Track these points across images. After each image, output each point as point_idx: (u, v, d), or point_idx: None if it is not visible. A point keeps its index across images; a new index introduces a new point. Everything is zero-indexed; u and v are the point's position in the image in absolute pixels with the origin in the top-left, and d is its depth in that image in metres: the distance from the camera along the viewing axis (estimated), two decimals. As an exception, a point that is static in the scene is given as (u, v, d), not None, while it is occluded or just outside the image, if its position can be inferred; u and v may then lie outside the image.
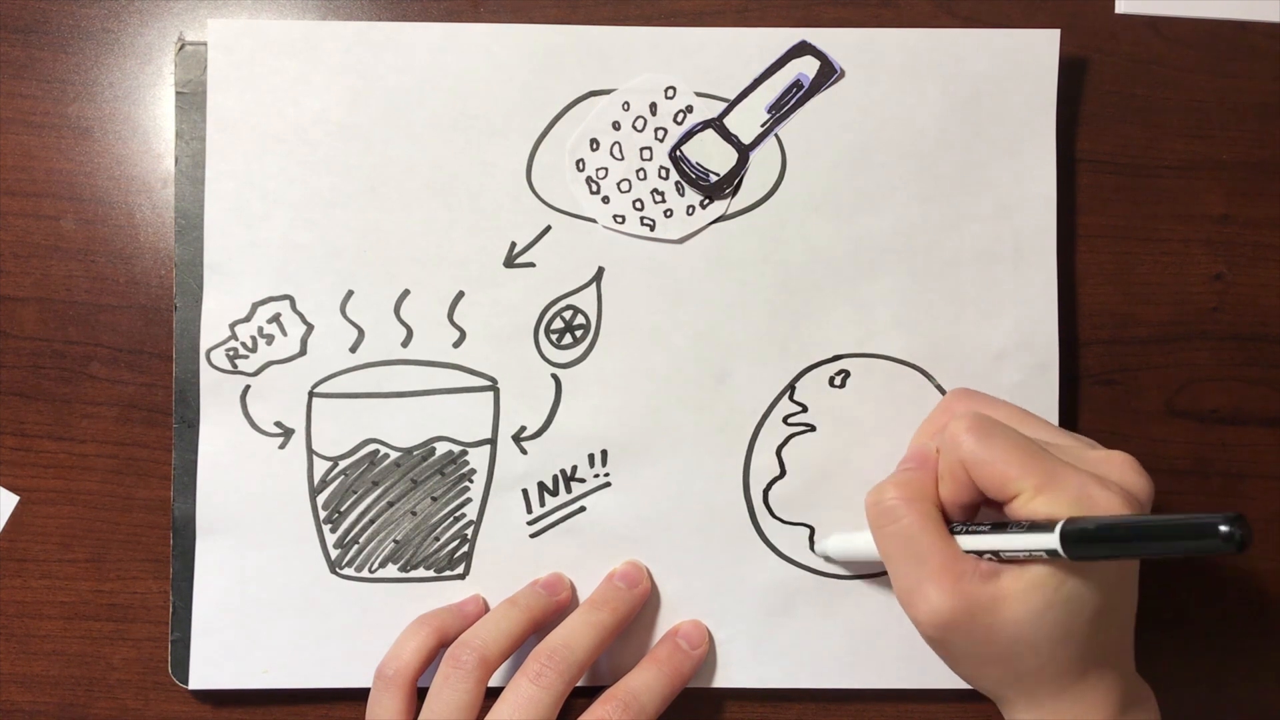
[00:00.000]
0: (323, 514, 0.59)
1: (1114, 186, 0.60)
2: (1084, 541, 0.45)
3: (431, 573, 0.59)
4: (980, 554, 0.49)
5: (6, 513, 0.60)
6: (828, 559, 0.59)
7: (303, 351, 0.58)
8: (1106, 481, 0.47)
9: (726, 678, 0.60)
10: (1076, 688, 0.49)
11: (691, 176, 0.58)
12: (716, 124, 0.59)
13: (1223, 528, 0.40)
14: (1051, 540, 0.45)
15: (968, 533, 0.49)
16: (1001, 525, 0.48)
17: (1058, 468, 0.48)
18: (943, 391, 0.59)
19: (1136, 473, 0.49)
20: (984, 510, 0.52)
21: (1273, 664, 0.62)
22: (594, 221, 0.59)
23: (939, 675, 0.59)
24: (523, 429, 0.59)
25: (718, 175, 0.59)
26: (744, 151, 0.59)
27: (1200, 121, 0.61)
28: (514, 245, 0.59)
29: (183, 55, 0.59)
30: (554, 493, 0.59)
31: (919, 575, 0.49)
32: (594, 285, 0.59)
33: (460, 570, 0.59)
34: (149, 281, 0.60)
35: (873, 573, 0.60)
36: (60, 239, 0.60)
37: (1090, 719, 0.50)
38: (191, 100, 0.58)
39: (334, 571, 0.59)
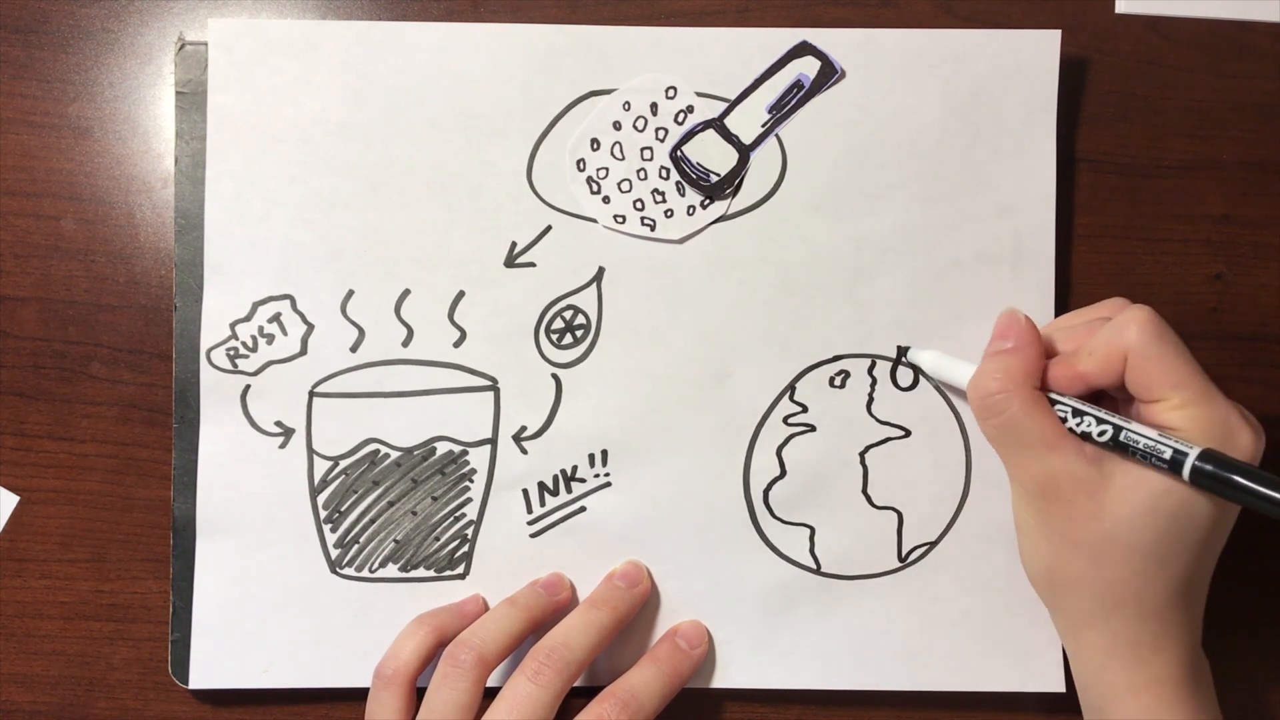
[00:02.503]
0: (323, 514, 0.59)
1: (1114, 186, 0.60)
2: (1219, 470, 0.46)
3: (432, 572, 0.59)
4: (1089, 437, 0.50)
5: (6, 513, 0.60)
6: (916, 369, 0.59)
7: (303, 351, 0.58)
8: (1249, 416, 0.49)
9: (726, 678, 0.60)
10: (1155, 621, 0.50)
11: (692, 176, 0.58)
12: (717, 124, 0.59)
13: None
14: (1185, 453, 0.47)
15: (1078, 415, 0.51)
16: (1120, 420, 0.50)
17: (1212, 390, 0.49)
18: (941, 392, 0.59)
19: (1258, 425, 0.50)
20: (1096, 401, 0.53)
21: (1273, 665, 0.62)
22: (594, 221, 0.59)
23: (939, 676, 0.59)
24: (523, 429, 0.59)
25: (718, 175, 0.59)
26: (744, 152, 0.59)
27: (1200, 121, 0.61)
28: (514, 245, 0.59)
29: (183, 55, 0.59)
30: (554, 493, 0.59)
31: (1024, 452, 0.51)
32: (594, 285, 0.59)
33: (460, 570, 0.59)
34: (149, 281, 0.60)
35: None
36: (60, 239, 0.60)
37: (1164, 664, 0.50)
38: (191, 100, 0.58)
39: (334, 571, 0.59)
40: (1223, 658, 0.58)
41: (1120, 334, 0.50)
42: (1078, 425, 0.50)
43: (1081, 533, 0.50)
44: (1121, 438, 0.49)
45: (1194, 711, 0.50)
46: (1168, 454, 0.47)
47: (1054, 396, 0.52)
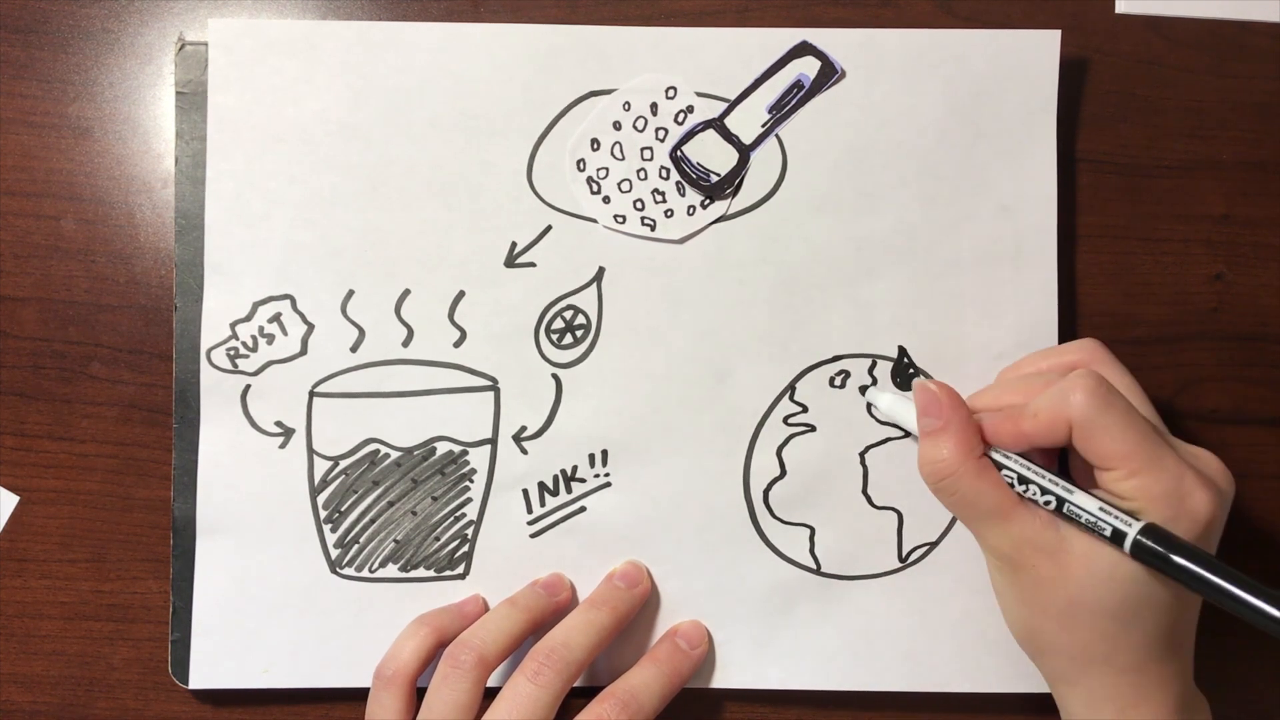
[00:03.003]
0: (323, 514, 0.59)
1: (1114, 186, 0.60)
2: (1158, 548, 0.46)
3: (432, 572, 0.59)
4: (1038, 500, 0.50)
5: (6, 513, 0.60)
6: (870, 410, 0.59)
7: (303, 351, 0.58)
8: (1203, 477, 0.48)
9: (726, 678, 0.60)
10: (1133, 676, 0.50)
11: (692, 177, 0.58)
12: (717, 124, 0.59)
13: None
14: (1124, 532, 0.47)
15: (1024, 482, 0.51)
16: (1064, 479, 0.50)
17: (1162, 454, 0.48)
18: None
19: (1222, 469, 0.50)
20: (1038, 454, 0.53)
21: (1272, 666, 0.62)
22: (595, 221, 0.59)
23: (939, 677, 0.59)
24: (523, 429, 0.59)
25: (718, 175, 0.59)
26: (745, 152, 0.59)
27: (1200, 121, 0.61)
28: (515, 245, 0.59)
29: (183, 55, 0.59)
30: (554, 493, 0.59)
31: (986, 524, 0.51)
32: (594, 285, 0.59)
33: (460, 570, 0.59)
34: (149, 281, 0.60)
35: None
36: (60, 239, 0.60)
37: (1146, 715, 0.50)
38: (191, 100, 0.58)
39: (334, 571, 0.59)
40: (1220, 659, 0.59)
41: (1065, 400, 0.49)
42: (1024, 492, 0.51)
43: (1048, 598, 0.50)
44: (1064, 510, 0.49)
45: None
46: (1108, 531, 0.48)
47: (999, 459, 0.52)
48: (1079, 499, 0.49)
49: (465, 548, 0.59)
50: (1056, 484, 0.50)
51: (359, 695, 0.58)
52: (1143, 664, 0.50)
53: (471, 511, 0.59)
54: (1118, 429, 0.49)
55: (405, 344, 0.59)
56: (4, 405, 0.60)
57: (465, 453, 0.59)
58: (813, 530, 0.60)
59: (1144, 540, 0.47)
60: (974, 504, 0.51)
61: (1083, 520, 0.49)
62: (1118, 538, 0.47)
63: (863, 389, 0.59)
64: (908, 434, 0.59)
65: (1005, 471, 0.51)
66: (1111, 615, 0.49)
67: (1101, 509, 0.48)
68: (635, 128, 0.58)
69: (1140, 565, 0.48)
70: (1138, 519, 0.47)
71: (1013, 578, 0.51)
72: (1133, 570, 0.48)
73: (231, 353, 0.58)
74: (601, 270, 0.59)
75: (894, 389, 0.59)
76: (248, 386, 0.59)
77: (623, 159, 0.59)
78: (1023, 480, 0.51)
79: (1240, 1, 0.60)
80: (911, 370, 0.59)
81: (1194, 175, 0.61)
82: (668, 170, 0.59)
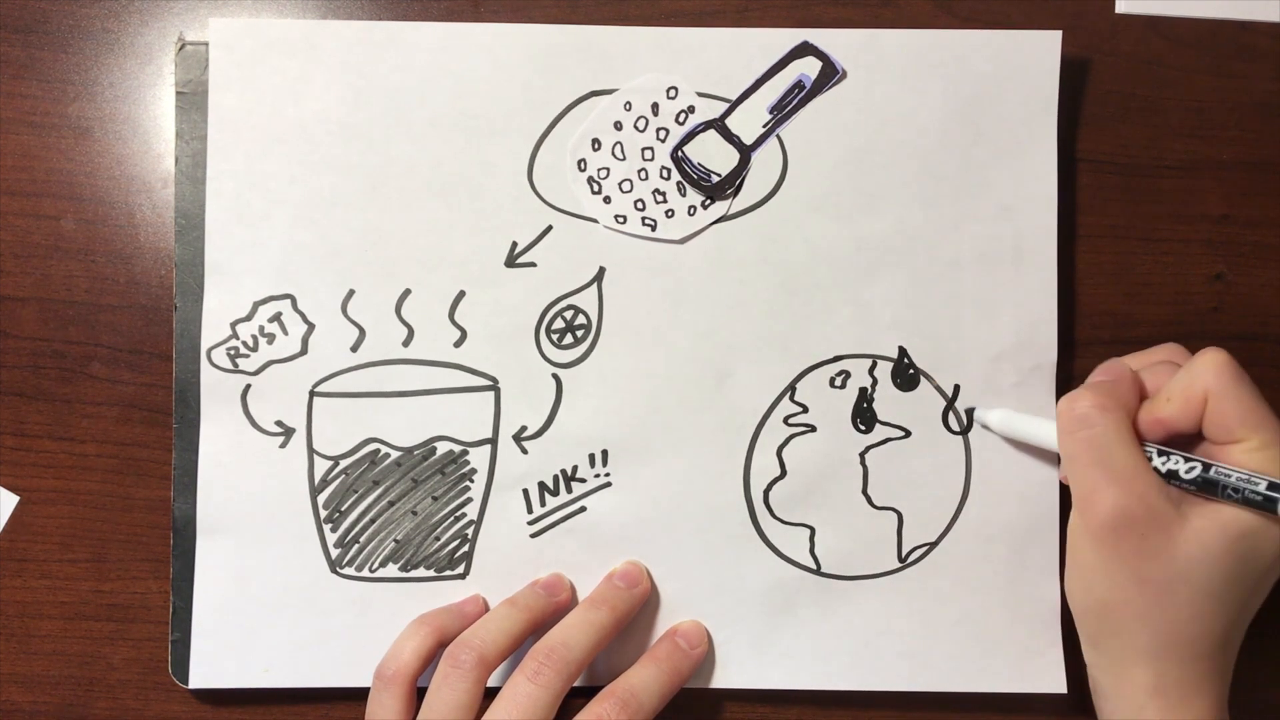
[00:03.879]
0: (323, 513, 0.59)
1: (1114, 186, 0.60)
2: None
3: (432, 572, 0.59)
4: (1171, 479, 0.50)
5: (6, 513, 0.60)
6: (985, 427, 0.59)
7: (304, 351, 0.58)
8: None
9: (726, 678, 0.60)
10: (1205, 663, 0.50)
11: (693, 177, 0.58)
12: (718, 124, 0.59)
13: None
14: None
15: (1163, 454, 0.51)
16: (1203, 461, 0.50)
17: None
18: (943, 393, 0.59)
19: None
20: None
21: (1271, 667, 0.62)
22: (595, 221, 0.59)
23: (939, 677, 0.59)
24: (523, 429, 0.59)
25: (719, 175, 0.59)
26: (746, 152, 0.59)
27: (1200, 121, 0.61)
28: (515, 245, 0.59)
29: (183, 55, 0.59)
30: (554, 493, 0.59)
31: (1105, 477, 0.50)
32: (595, 285, 0.59)
33: (460, 570, 0.59)
34: (149, 281, 0.60)
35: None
36: (60, 239, 0.60)
37: (1205, 706, 0.50)
38: (192, 100, 0.58)
39: (334, 571, 0.59)
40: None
41: (1199, 377, 0.50)
42: (1164, 464, 0.50)
43: (1150, 570, 0.49)
44: (1211, 474, 0.49)
45: None
46: (1261, 486, 0.47)
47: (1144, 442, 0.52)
48: (1223, 465, 0.49)
49: (465, 547, 0.59)
50: (1198, 458, 0.50)
51: (359, 695, 0.58)
52: (1217, 650, 0.50)
53: (472, 511, 0.59)
54: (1249, 401, 0.49)
55: (406, 344, 0.59)
56: (4, 405, 0.60)
57: (465, 452, 0.59)
58: (813, 530, 0.60)
59: None
60: (1108, 449, 0.50)
61: (1232, 480, 0.48)
62: (1270, 500, 0.47)
63: (969, 412, 0.60)
64: (908, 433, 0.59)
65: (1145, 447, 0.51)
66: (1212, 593, 0.49)
67: (1250, 473, 0.48)
68: (636, 128, 0.58)
69: (1253, 543, 0.48)
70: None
71: (1112, 545, 0.50)
72: (1246, 548, 0.49)
73: (232, 352, 0.58)
74: (602, 270, 0.59)
75: (1002, 409, 0.59)
76: (248, 386, 0.58)
77: (624, 159, 0.59)
78: (1163, 453, 0.51)
79: (1240, 1, 0.60)
80: (911, 370, 0.59)
81: (1194, 175, 0.61)
82: (669, 170, 0.59)
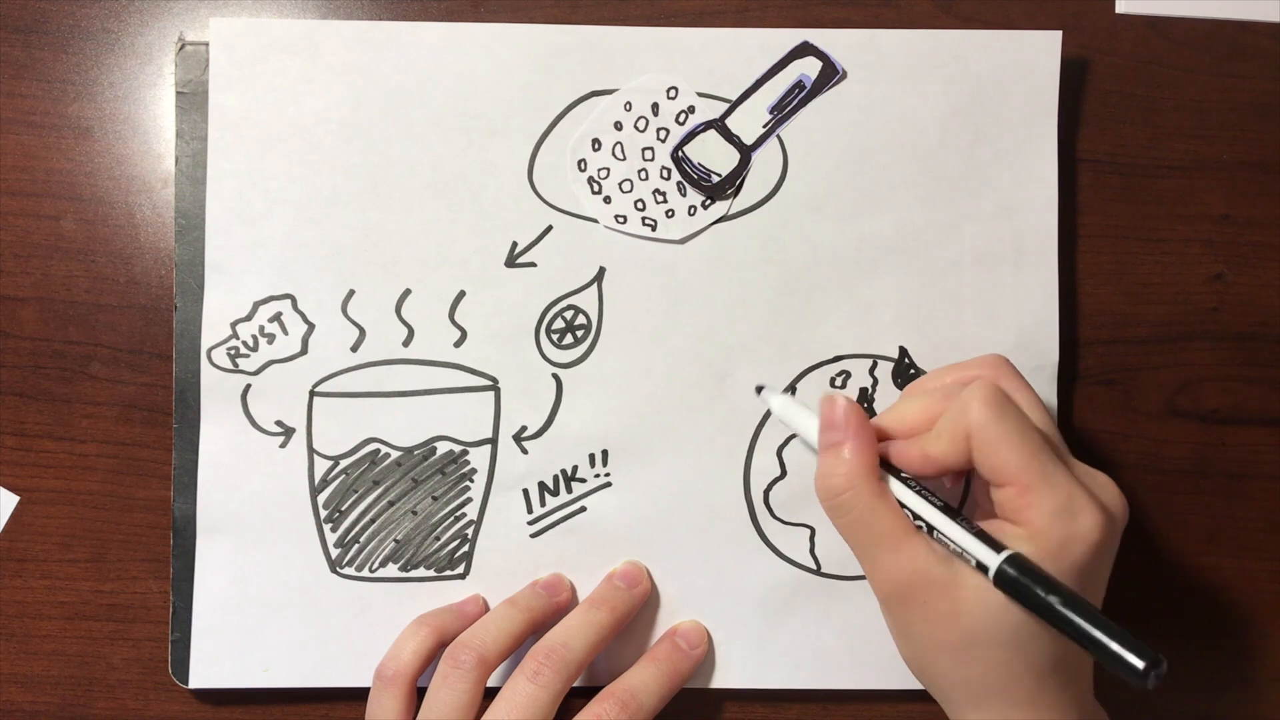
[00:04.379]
0: (323, 513, 0.59)
1: (1114, 186, 0.61)
2: (1015, 590, 0.45)
3: (432, 572, 0.59)
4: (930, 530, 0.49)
5: (6, 513, 0.60)
6: (768, 409, 0.58)
7: (304, 350, 0.58)
8: (1093, 496, 0.47)
9: (725, 678, 0.60)
10: (1028, 709, 0.48)
11: (693, 177, 0.58)
12: (718, 124, 0.59)
13: (1139, 664, 0.41)
14: (990, 562, 0.46)
15: (920, 496, 0.49)
16: (953, 511, 0.48)
17: (1053, 471, 0.47)
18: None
19: (1118, 495, 0.49)
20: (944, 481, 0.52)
21: (1271, 667, 0.62)
22: (595, 221, 0.59)
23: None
24: (523, 429, 0.59)
25: (719, 176, 0.59)
26: (746, 152, 0.59)
27: (1200, 121, 0.61)
28: (515, 245, 0.59)
29: (183, 55, 0.59)
30: (554, 493, 0.59)
31: (875, 554, 0.49)
32: (595, 285, 0.59)
33: (460, 570, 0.59)
34: (149, 281, 0.60)
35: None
36: (60, 239, 0.60)
37: None
38: (192, 100, 0.58)
39: (334, 571, 0.59)
40: (1219, 659, 0.59)
41: (963, 413, 0.48)
42: (914, 522, 0.49)
43: (942, 634, 0.48)
44: (935, 537, 0.48)
45: None
46: (973, 561, 0.47)
47: (896, 491, 0.50)
48: (949, 528, 0.48)
49: (465, 547, 0.59)
50: (933, 509, 0.48)
51: (359, 695, 0.58)
52: (1037, 694, 0.48)
53: (472, 511, 0.59)
54: (1013, 441, 0.47)
55: (406, 344, 0.59)
56: (4, 405, 0.60)
57: (465, 452, 0.59)
58: (813, 530, 0.60)
59: (1007, 570, 0.45)
60: (869, 527, 0.49)
61: (951, 548, 0.47)
62: (981, 568, 0.46)
63: (758, 389, 0.57)
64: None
65: (905, 482, 0.50)
66: (1005, 645, 0.47)
67: (970, 537, 0.47)
68: (636, 128, 0.58)
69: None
70: (1007, 548, 0.46)
71: (906, 613, 0.49)
72: None
73: (232, 352, 0.58)
74: (602, 270, 0.59)
75: (785, 394, 0.56)
76: (248, 386, 0.58)
77: (624, 159, 0.59)
78: (915, 516, 0.49)
79: (1240, 1, 0.61)
80: (912, 370, 0.59)
81: (1194, 175, 0.61)
82: (669, 170, 0.59)
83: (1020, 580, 0.45)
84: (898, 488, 0.50)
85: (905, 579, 0.48)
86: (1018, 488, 0.47)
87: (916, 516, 0.49)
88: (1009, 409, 0.48)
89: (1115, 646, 0.42)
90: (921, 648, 0.49)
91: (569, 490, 0.59)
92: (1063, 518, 0.46)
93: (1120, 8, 0.61)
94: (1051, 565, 0.46)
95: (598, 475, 0.59)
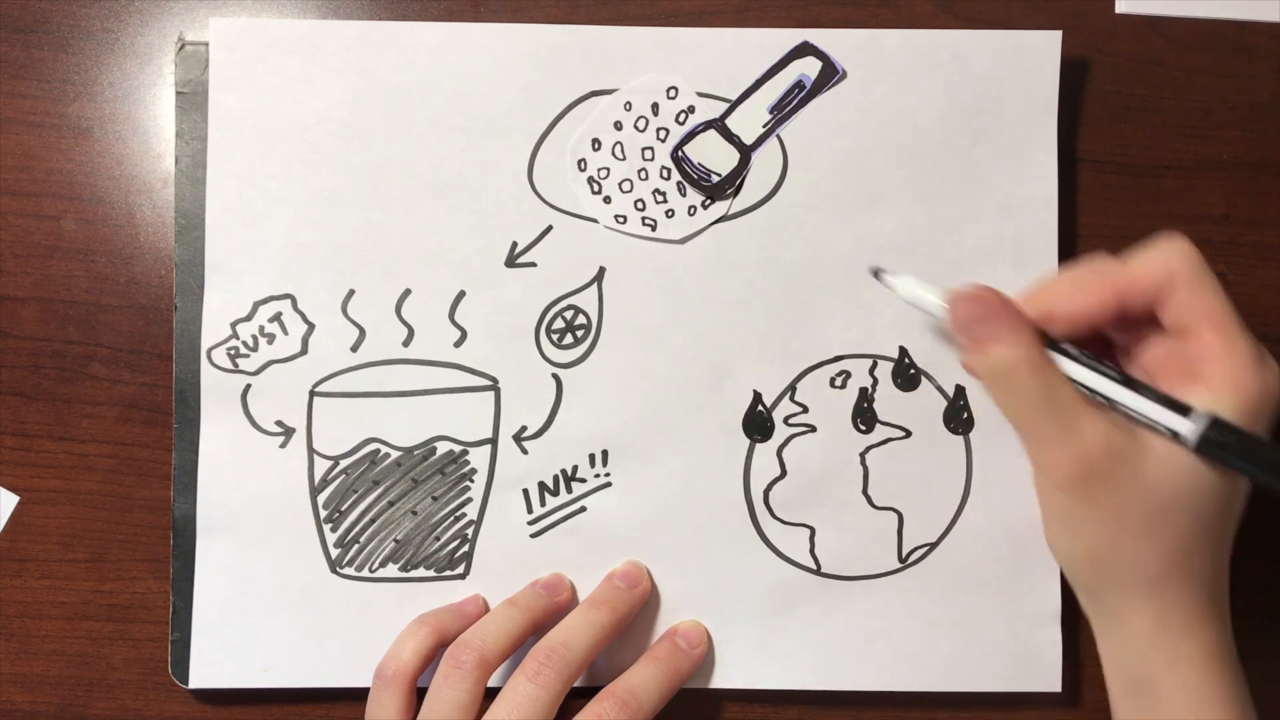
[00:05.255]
0: (323, 513, 0.59)
1: (1114, 186, 0.60)
2: (1219, 451, 0.45)
3: (432, 572, 0.59)
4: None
5: (6, 513, 0.60)
6: (889, 286, 0.55)
7: (304, 350, 0.58)
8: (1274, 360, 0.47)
9: (725, 678, 0.60)
10: (1203, 591, 0.48)
11: (693, 177, 0.58)
12: (718, 124, 0.59)
13: None
14: (1186, 430, 0.45)
15: (1092, 369, 0.48)
16: (1130, 380, 0.48)
17: (1243, 327, 0.47)
18: (943, 393, 0.59)
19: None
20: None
21: (1271, 667, 0.62)
22: (595, 221, 0.59)
23: (939, 677, 0.59)
24: (523, 429, 0.59)
25: (719, 175, 0.59)
26: (746, 152, 0.59)
27: (1200, 121, 0.61)
28: (515, 245, 0.59)
29: (183, 55, 0.59)
30: (554, 493, 0.59)
31: (1053, 433, 0.48)
32: (595, 285, 0.59)
33: (460, 570, 0.59)
34: (149, 281, 0.60)
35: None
36: (60, 239, 0.60)
37: (1212, 634, 0.49)
38: (192, 100, 0.58)
39: (334, 571, 0.59)
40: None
41: (1162, 256, 0.48)
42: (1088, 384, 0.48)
43: (1129, 508, 0.47)
44: (1117, 409, 0.48)
45: (1235, 683, 0.49)
46: (1164, 430, 0.46)
47: (1065, 364, 0.49)
48: (1133, 399, 0.47)
49: (465, 547, 0.59)
50: (1110, 381, 0.47)
51: (359, 695, 0.58)
52: (1212, 570, 0.49)
53: (472, 511, 0.59)
54: (1216, 286, 0.47)
55: (406, 344, 0.59)
56: (4, 405, 0.60)
57: (465, 452, 0.59)
58: (813, 530, 0.60)
59: (1211, 434, 0.45)
60: (1045, 406, 0.47)
61: (1137, 419, 0.47)
62: (1175, 437, 0.46)
63: (876, 272, 0.55)
64: (908, 433, 0.59)
65: (1066, 356, 0.49)
66: (1194, 514, 0.47)
67: (1158, 406, 0.46)
68: (636, 128, 0.58)
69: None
70: (1195, 409, 0.46)
71: (1085, 494, 0.48)
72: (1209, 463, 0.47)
73: (232, 352, 0.58)
74: (602, 270, 0.59)
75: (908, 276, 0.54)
76: (248, 386, 0.58)
77: (624, 159, 0.59)
78: (1089, 391, 0.48)
79: (1240, 1, 0.61)
80: (912, 370, 0.59)
81: (1194, 175, 0.61)
82: (669, 170, 0.59)
83: (1225, 441, 0.45)
84: (1067, 364, 0.49)
85: (1090, 456, 0.47)
86: (1221, 335, 0.47)
87: (1091, 391, 0.48)
88: (1204, 260, 0.48)
89: None
90: (1101, 529, 0.48)
91: (569, 490, 0.59)
92: (1259, 368, 0.46)
93: (1120, 8, 0.61)
94: (1247, 418, 0.46)
95: (598, 475, 0.59)
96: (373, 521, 0.59)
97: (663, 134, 0.58)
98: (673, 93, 0.58)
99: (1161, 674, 0.49)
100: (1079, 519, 0.49)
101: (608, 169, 0.58)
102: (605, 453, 0.59)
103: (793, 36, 0.58)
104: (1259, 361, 0.47)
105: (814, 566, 0.60)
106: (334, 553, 0.59)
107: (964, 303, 0.50)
